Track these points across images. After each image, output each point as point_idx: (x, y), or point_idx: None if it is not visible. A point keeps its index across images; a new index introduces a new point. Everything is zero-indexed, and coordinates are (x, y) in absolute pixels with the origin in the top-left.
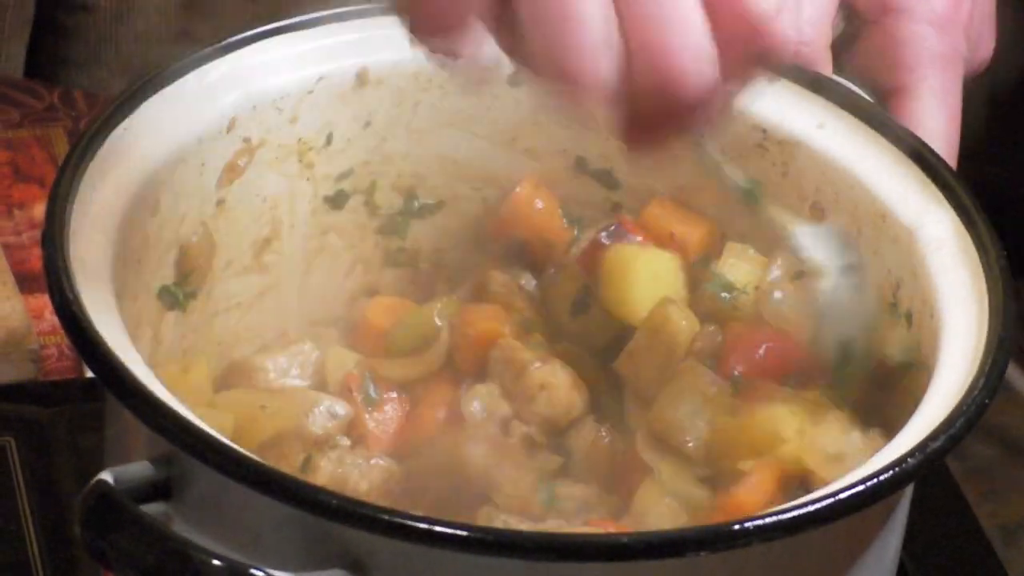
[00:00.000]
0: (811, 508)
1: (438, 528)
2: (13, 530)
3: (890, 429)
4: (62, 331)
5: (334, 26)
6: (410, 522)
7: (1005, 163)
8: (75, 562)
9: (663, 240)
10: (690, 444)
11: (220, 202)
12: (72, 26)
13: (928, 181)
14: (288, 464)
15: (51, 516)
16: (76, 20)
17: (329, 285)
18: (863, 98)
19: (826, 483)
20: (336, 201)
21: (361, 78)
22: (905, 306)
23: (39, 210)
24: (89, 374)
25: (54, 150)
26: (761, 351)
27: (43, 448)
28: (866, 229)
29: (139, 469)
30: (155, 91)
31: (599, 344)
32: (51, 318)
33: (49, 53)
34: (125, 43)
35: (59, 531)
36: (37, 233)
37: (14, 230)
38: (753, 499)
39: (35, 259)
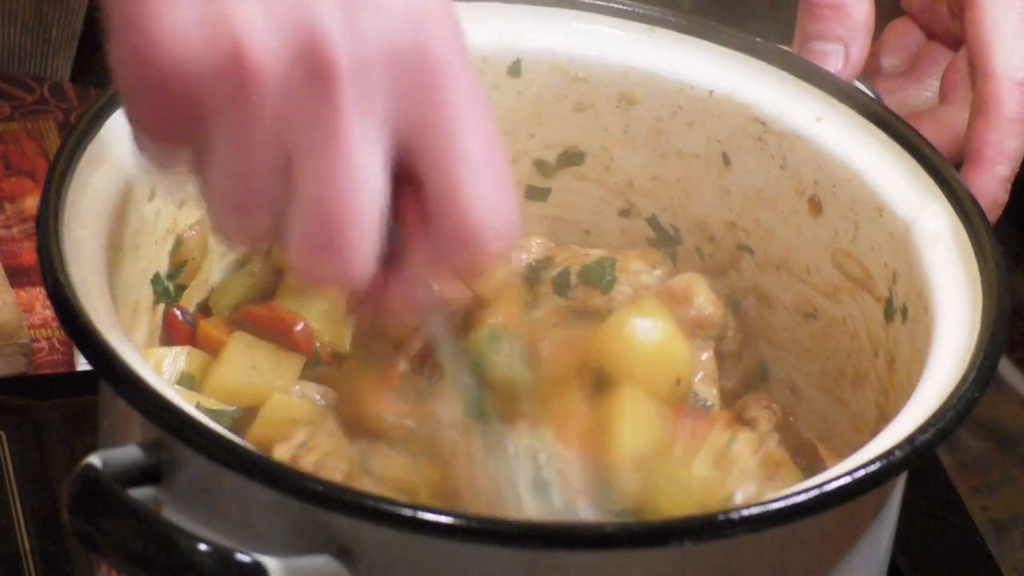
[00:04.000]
0: (797, 499)
1: (423, 515)
2: (4, 524)
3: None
4: (53, 325)
5: None
6: (396, 508)
7: None
8: (67, 555)
9: None
10: None
11: None
12: None
13: (925, 175)
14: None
15: (42, 510)
16: None
17: None
18: (862, 91)
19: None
20: None
21: None
22: (900, 300)
23: (30, 203)
24: (80, 367)
25: (45, 143)
26: None
27: (34, 442)
28: (863, 223)
29: (128, 453)
30: None
31: None
32: (42, 312)
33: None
34: None
35: (50, 524)
36: (28, 227)
37: (4, 223)
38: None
39: (26, 253)
